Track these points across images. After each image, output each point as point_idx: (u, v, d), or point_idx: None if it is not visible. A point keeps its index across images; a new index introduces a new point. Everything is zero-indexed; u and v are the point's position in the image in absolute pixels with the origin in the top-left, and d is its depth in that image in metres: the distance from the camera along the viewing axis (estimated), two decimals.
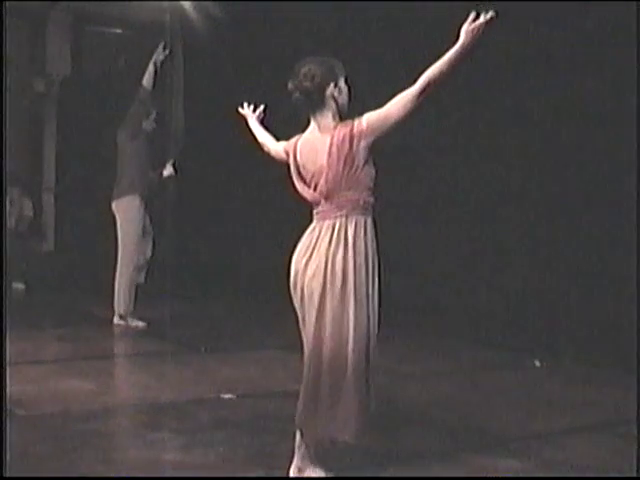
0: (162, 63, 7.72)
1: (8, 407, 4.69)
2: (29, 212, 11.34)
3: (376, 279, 3.71)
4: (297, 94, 3.69)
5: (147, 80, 7.66)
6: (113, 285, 7.80)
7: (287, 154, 3.85)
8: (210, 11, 9.82)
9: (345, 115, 3.74)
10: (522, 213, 6.89)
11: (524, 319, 6.75)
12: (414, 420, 4.84)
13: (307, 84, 3.67)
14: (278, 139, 4.03)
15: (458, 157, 7.37)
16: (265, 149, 4.13)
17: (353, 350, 3.59)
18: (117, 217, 7.80)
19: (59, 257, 12.37)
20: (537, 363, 6.34)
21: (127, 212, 7.73)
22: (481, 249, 7.17)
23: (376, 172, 3.70)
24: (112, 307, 7.82)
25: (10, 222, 10.98)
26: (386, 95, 3.59)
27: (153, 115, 7.81)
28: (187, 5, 10.09)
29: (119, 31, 13.03)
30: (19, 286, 10.71)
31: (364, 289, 3.63)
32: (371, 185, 3.70)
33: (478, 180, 7.20)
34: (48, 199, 12.69)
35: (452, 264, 7.40)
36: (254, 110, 4.37)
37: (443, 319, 7.35)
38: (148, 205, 7.94)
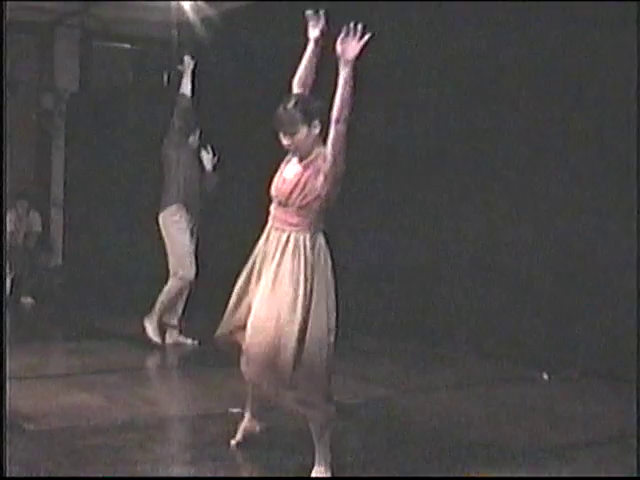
0: (193, 72, 7.63)
1: (17, 422, 4.73)
2: (38, 227, 11.35)
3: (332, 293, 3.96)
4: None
5: (184, 87, 7.62)
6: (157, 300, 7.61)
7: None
8: (218, 26, 9.86)
9: None
10: (529, 223, 6.88)
11: (532, 332, 6.74)
12: (419, 433, 4.83)
13: None
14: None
15: (461, 164, 7.37)
16: None
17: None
18: (163, 229, 7.62)
19: (67, 271, 12.43)
20: (545, 376, 6.32)
21: (175, 222, 7.56)
22: (489, 261, 7.17)
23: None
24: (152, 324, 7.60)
25: (19, 237, 11.03)
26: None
27: (198, 131, 7.74)
28: (195, 21, 10.13)
29: (127, 46, 13.12)
30: (28, 300, 10.75)
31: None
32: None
33: (486, 187, 7.18)
34: (56, 214, 12.76)
35: (459, 276, 7.40)
36: None
37: (450, 331, 7.35)
38: (195, 217, 7.79)
